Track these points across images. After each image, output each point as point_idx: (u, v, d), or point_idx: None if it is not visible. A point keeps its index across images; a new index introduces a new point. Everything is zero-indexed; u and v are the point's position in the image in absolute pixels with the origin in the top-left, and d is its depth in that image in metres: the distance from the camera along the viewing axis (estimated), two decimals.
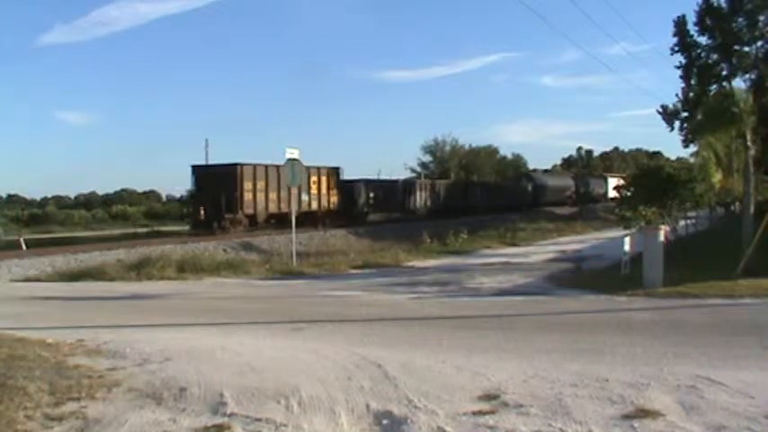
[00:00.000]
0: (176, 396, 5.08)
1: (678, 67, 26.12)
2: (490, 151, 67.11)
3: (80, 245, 22.88)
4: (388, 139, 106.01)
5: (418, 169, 58.65)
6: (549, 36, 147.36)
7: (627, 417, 4.36)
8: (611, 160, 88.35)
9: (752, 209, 14.54)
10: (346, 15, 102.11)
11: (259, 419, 4.50)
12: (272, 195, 26.51)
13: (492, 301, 11.48)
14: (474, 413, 4.52)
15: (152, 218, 54.62)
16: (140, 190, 77.38)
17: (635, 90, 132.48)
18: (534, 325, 8.88)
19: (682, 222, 21.06)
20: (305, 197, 28.43)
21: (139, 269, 16.58)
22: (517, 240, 26.76)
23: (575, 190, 53.89)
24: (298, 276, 16.61)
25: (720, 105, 15.69)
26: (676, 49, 25.97)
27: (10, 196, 69.49)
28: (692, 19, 25.40)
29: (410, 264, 18.96)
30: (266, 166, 26.02)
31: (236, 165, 25.72)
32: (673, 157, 34.57)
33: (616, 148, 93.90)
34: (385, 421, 4.47)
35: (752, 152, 14.82)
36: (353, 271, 17.57)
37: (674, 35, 25.98)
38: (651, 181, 16.16)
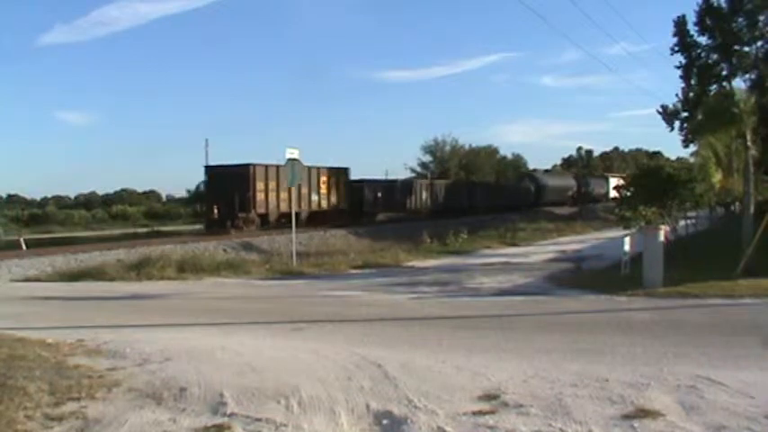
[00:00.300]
0: (176, 396, 5.08)
1: (678, 67, 26.14)
2: (490, 151, 67.08)
3: (80, 245, 22.88)
4: (388, 140, 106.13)
5: (418, 169, 58.69)
6: (549, 36, 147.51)
7: (627, 417, 4.36)
8: (611, 160, 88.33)
9: (752, 209, 14.53)
10: (346, 15, 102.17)
11: (259, 419, 4.50)
12: (283, 195, 26.85)
13: (492, 301, 11.48)
14: (474, 413, 4.51)
15: (152, 218, 54.64)
16: (140, 190, 77.53)
17: (635, 90, 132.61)
18: (534, 325, 8.88)
19: (682, 222, 21.05)
20: (315, 197, 29.08)
21: (139, 269, 16.58)
22: (517, 240, 26.76)
23: (576, 190, 53.95)
24: (298, 276, 16.61)
25: (720, 105, 15.70)
26: (676, 49, 25.99)
27: (10, 196, 69.52)
28: (692, 19, 25.42)
29: (410, 264, 18.96)
30: (278, 167, 26.21)
31: (248, 165, 26.03)
32: (673, 157, 34.62)
33: (616, 148, 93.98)
34: (385, 421, 4.47)
35: (752, 152, 14.81)
36: (353, 271, 17.57)
37: (674, 35, 26.00)
38: (651, 181, 16.15)
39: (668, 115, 28.41)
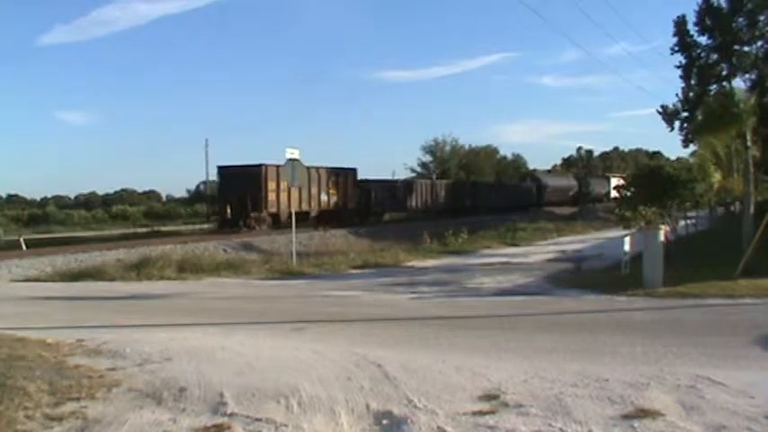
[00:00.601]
0: (176, 396, 5.08)
1: (678, 67, 26.19)
2: (490, 151, 67.14)
3: (80, 245, 22.88)
4: (388, 140, 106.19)
5: (418, 169, 58.76)
6: (549, 36, 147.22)
7: (627, 417, 4.35)
8: (611, 160, 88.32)
9: (752, 209, 14.54)
10: (346, 15, 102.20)
11: (259, 419, 4.49)
12: (294, 195, 27.20)
13: (492, 300, 11.48)
14: (474, 413, 4.51)
15: (152, 218, 54.63)
16: (140, 190, 77.53)
17: (635, 90, 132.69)
18: (534, 325, 8.88)
19: (682, 222, 21.05)
20: (324, 197, 29.66)
21: (139, 269, 16.59)
22: (517, 240, 26.76)
23: (578, 190, 54.06)
24: (298, 276, 16.61)
25: (720, 105, 15.68)
26: (676, 49, 26.02)
27: (10, 196, 69.62)
28: (692, 19, 25.47)
29: (410, 264, 18.97)
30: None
31: (260, 165, 26.29)
32: (673, 157, 34.62)
33: (616, 148, 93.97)
34: (385, 421, 4.47)
35: (752, 152, 14.81)
36: (353, 271, 17.58)
37: (674, 35, 26.04)
38: (651, 181, 16.14)
39: (668, 115, 28.44)
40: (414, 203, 36.51)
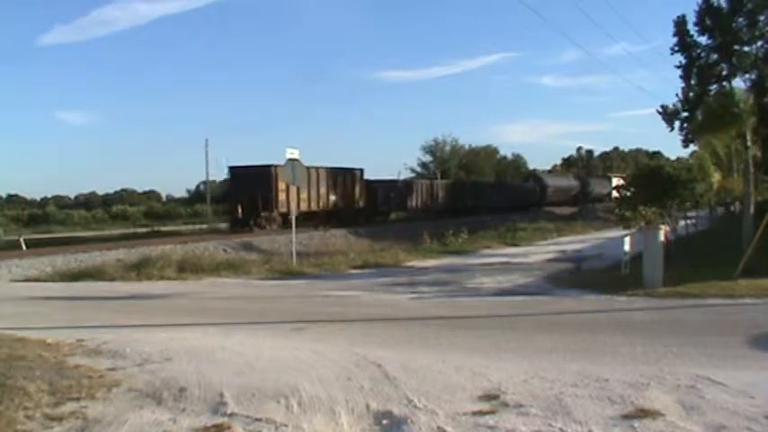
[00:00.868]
0: (176, 396, 5.07)
1: (678, 67, 26.16)
2: (490, 151, 67.17)
3: (80, 245, 22.89)
4: (388, 140, 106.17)
5: (418, 169, 58.79)
6: (549, 36, 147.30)
7: (627, 417, 4.35)
8: (611, 160, 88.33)
9: (752, 209, 14.54)
10: (346, 15, 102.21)
11: (259, 419, 4.49)
12: (303, 195, 27.78)
13: (492, 300, 11.48)
14: (474, 413, 4.51)
15: (152, 218, 54.64)
16: (140, 190, 77.56)
17: (635, 90, 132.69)
18: (534, 325, 8.88)
19: (682, 222, 21.05)
20: (333, 197, 30.27)
21: (139, 269, 16.59)
22: (517, 240, 26.76)
23: (580, 190, 54.19)
24: (298, 276, 16.61)
25: (720, 105, 15.68)
26: (676, 49, 26.00)
27: (10, 196, 69.65)
28: (692, 19, 25.44)
29: (410, 264, 18.97)
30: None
31: (270, 166, 26.52)
32: (673, 157, 34.60)
33: (616, 148, 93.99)
34: (385, 421, 4.46)
35: (752, 152, 14.81)
36: (353, 271, 17.58)
37: (674, 35, 26.02)
38: (651, 181, 16.14)
39: (668, 115, 28.42)
40: (421, 203, 36.86)
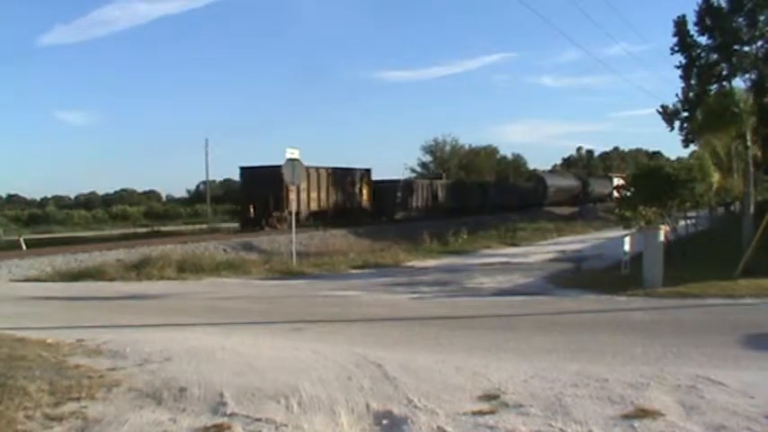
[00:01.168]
0: (176, 396, 5.07)
1: (678, 67, 26.19)
2: (490, 151, 67.14)
3: (80, 245, 22.89)
4: (388, 139, 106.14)
5: (418, 169, 58.80)
6: (549, 36, 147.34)
7: (627, 417, 4.35)
8: (611, 160, 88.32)
9: (752, 209, 14.53)
10: (346, 15, 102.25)
11: (259, 419, 4.49)
12: (313, 195, 28.37)
13: (492, 301, 11.48)
14: (474, 413, 4.51)
15: (152, 218, 54.65)
16: (140, 190, 77.59)
17: (635, 90, 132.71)
18: (534, 325, 8.88)
19: (682, 222, 21.03)
20: (341, 197, 30.82)
21: (139, 269, 16.59)
22: (517, 240, 26.75)
23: (581, 190, 54.29)
24: (298, 276, 16.61)
25: (720, 105, 15.67)
26: (676, 49, 26.02)
27: (10, 196, 69.71)
28: (692, 19, 25.47)
29: (410, 264, 18.96)
30: (307, 168, 26.52)
31: (280, 166, 26.36)
32: (673, 157, 34.59)
33: (616, 148, 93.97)
34: (385, 421, 4.46)
35: (752, 152, 14.81)
36: (353, 271, 17.57)
37: (674, 35, 26.05)
38: (651, 181, 16.13)
39: (668, 115, 28.45)
40: (425, 203, 37.06)
